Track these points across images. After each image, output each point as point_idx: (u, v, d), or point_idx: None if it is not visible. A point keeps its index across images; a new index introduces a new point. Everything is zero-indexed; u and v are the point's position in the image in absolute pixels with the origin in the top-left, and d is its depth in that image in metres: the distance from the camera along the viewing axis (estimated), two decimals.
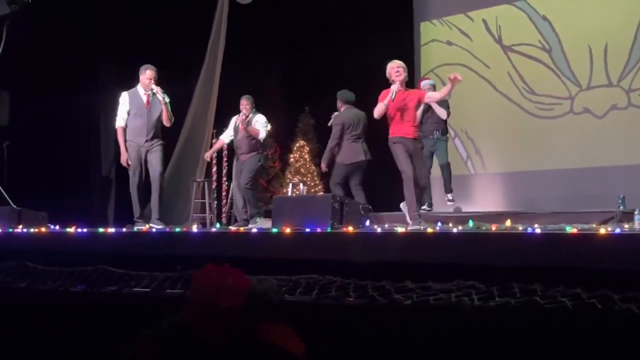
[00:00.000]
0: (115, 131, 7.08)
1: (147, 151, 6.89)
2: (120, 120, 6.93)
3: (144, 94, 6.90)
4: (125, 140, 6.89)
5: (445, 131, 8.19)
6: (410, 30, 10.93)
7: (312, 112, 11.44)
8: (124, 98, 6.92)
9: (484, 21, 10.17)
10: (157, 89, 6.81)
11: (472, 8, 10.33)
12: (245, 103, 7.66)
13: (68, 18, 9.10)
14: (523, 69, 9.84)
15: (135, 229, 6.53)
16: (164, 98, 6.85)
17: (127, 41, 9.69)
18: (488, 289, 2.81)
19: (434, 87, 8.08)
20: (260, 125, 7.70)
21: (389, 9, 10.46)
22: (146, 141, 6.86)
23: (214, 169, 9.89)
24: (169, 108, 6.95)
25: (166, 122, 7.01)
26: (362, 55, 10.58)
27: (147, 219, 6.99)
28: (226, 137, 8.04)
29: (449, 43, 10.51)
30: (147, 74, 6.83)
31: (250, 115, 7.72)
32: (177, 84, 10.06)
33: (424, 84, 8.13)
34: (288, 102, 11.51)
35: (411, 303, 2.82)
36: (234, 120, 7.93)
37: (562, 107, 9.50)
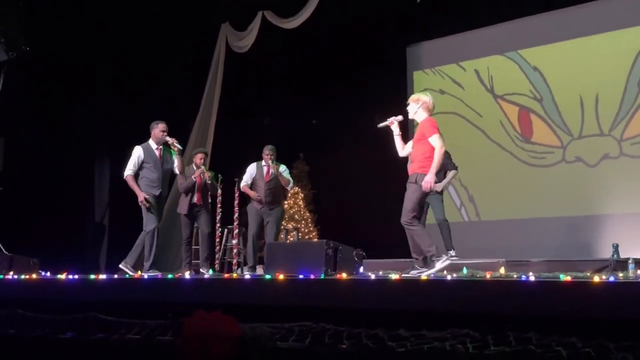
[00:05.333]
0: (122, 181, 7.05)
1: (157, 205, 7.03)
2: (129, 170, 6.96)
3: (156, 148, 7.07)
4: (138, 186, 6.92)
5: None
6: (404, 79, 11.07)
7: (307, 159, 11.49)
8: (138, 151, 7.00)
9: (476, 71, 10.33)
10: (172, 140, 7.03)
11: (464, 58, 10.50)
12: (269, 153, 7.79)
13: (65, 65, 9.19)
14: (515, 117, 9.95)
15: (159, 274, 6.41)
16: (179, 148, 7.09)
17: (123, 90, 9.76)
18: (483, 337, 2.79)
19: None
20: (288, 175, 7.93)
21: (382, 59, 10.61)
22: (160, 193, 7.00)
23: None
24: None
25: (180, 171, 7.29)
26: (356, 103, 10.69)
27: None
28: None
29: (442, 92, 10.63)
30: (159, 127, 7.05)
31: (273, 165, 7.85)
32: (172, 132, 10.12)
33: None
34: (282, 149, 11.54)
35: (405, 351, 2.79)
36: (253, 168, 7.97)
37: (554, 155, 9.57)
